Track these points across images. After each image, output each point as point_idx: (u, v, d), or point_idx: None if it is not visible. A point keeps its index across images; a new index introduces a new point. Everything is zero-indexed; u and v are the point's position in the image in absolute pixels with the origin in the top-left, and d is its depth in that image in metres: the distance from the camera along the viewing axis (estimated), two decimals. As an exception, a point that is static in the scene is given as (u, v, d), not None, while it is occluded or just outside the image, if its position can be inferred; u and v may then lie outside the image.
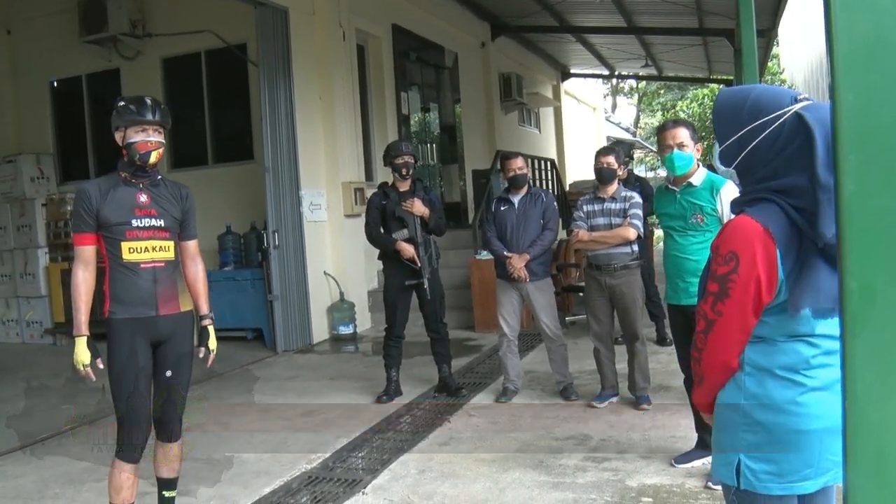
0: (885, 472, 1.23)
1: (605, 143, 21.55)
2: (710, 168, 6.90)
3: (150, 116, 3.17)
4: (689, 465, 3.82)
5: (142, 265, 3.19)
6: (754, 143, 1.73)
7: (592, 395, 5.17)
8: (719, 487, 3.50)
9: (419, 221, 5.40)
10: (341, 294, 8.33)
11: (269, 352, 7.73)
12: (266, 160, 7.72)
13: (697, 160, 3.90)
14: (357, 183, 8.75)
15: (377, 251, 5.76)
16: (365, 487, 3.88)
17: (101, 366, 3.20)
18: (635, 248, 4.98)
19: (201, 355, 3.44)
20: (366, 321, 8.77)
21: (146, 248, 3.20)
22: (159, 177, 3.33)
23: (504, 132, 14.08)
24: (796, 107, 1.70)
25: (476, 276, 8.14)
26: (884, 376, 1.24)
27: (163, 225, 3.25)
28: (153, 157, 3.20)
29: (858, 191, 1.21)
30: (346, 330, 8.23)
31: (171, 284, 3.27)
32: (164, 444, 3.39)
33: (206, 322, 3.45)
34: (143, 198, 3.22)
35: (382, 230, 5.50)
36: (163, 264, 3.24)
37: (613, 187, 4.99)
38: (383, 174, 8.07)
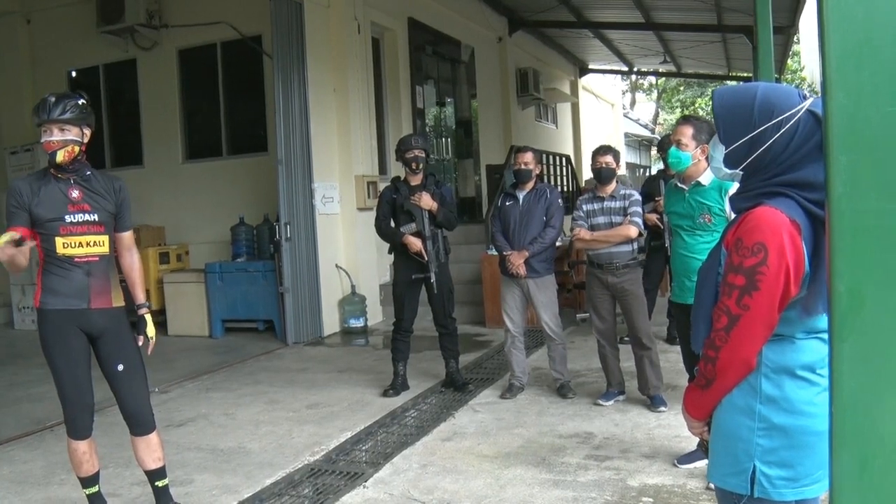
0: (869, 477, 1.21)
1: (622, 140, 21.44)
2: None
3: (44, 116, 3.09)
4: (691, 466, 3.80)
5: (76, 259, 3.20)
6: (769, 142, 1.68)
7: (599, 393, 5.14)
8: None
9: (427, 215, 5.39)
10: (352, 287, 8.35)
11: (279, 343, 7.76)
12: (279, 152, 7.71)
13: (700, 159, 3.85)
14: (370, 176, 8.75)
15: (389, 245, 5.77)
16: (366, 481, 3.88)
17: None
18: (636, 245, 4.98)
19: (140, 343, 3.42)
20: (377, 314, 8.79)
21: (80, 242, 3.19)
22: (88, 172, 3.27)
23: (520, 127, 14.04)
24: (806, 104, 1.67)
25: (487, 271, 8.10)
26: (870, 381, 1.21)
27: (97, 219, 3.23)
28: (60, 156, 3.13)
29: (848, 192, 1.19)
30: (356, 323, 8.24)
31: (104, 279, 3.27)
32: (142, 437, 3.37)
33: (143, 311, 3.44)
34: (75, 193, 3.20)
35: (392, 224, 5.51)
36: (97, 258, 3.24)
37: (612, 186, 4.99)
38: (397, 168, 8.05)
